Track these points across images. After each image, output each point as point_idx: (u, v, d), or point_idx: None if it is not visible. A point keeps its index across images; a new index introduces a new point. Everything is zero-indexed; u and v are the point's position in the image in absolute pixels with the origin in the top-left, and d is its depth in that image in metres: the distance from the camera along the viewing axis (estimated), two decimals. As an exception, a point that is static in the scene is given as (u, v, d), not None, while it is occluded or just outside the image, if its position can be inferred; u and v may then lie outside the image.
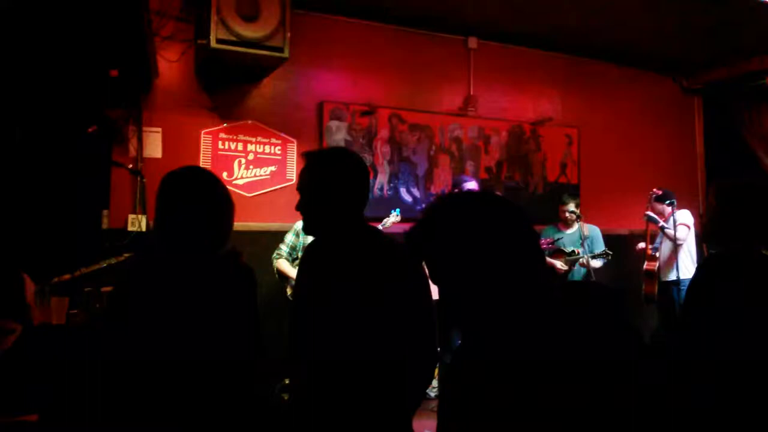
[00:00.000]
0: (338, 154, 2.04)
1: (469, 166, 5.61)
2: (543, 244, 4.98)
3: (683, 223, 5.10)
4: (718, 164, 6.90)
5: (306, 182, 1.91)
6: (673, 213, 5.03)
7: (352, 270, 1.81)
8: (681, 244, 5.04)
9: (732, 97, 6.76)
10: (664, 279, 5.22)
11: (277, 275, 4.15)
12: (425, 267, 1.24)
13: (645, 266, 5.27)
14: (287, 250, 4.14)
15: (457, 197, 1.27)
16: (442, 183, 5.45)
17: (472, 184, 4.38)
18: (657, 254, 5.28)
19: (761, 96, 6.44)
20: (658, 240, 5.34)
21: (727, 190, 2.18)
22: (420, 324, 1.79)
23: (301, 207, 1.92)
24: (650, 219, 5.20)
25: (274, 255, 4.16)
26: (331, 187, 1.86)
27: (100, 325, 2.77)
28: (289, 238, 4.16)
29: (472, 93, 5.64)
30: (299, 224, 4.15)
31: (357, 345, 1.76)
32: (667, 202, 5.10)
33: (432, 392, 4.66)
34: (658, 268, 5.25)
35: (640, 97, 6.61)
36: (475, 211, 1.17)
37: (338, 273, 1.84)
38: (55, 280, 3.47)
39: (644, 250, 5.33)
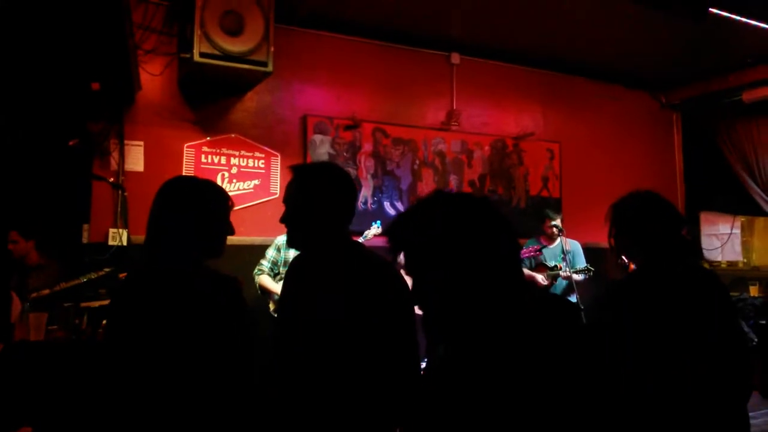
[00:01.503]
0: (325, 168, 2.04)
1: (453, 179, 5.64)
2: (531, 251, 5.01)
3: None
4: (697, 179, 7.02)
5: (292, 195, 1.91)
6: None
7: (336, 283, 1.81)
8: None
9: (710, 113, 6.89)
10: None
11: (259, 291, 4.12)
12: (402, 257, 1.23)
13: None
14: (269, 265, 4.11)
15: (449, 195, 1.27)
16: (425, 197, 5.46)
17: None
18: None
19: (738, 111, 6.57)
20: None
21: (617, 208, 2.15)
22: (402, 338, 1.79)
23: (285, 220, 1.92)
24: None
25: (256, 271, 4.13)
26: (316, 200, 1.87)
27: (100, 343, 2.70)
28: (271, 253, 4.14)
29: (455, 108, 5.69)
30: (280, 239, 4.13)
31: (340, 358, 1.75)
32: None
33: (416, 407, 4.64)
34: None
35: (620, 113, 6.71)
36: (463, 210, 1.18)
37: (322, 286, 1.84)
38: (34, 295, 3.42)
39: (627, 264, 5.33)
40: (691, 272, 2.01)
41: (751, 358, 1.97)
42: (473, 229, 1.15)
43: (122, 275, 3.72)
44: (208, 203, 1.81)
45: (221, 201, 1.85)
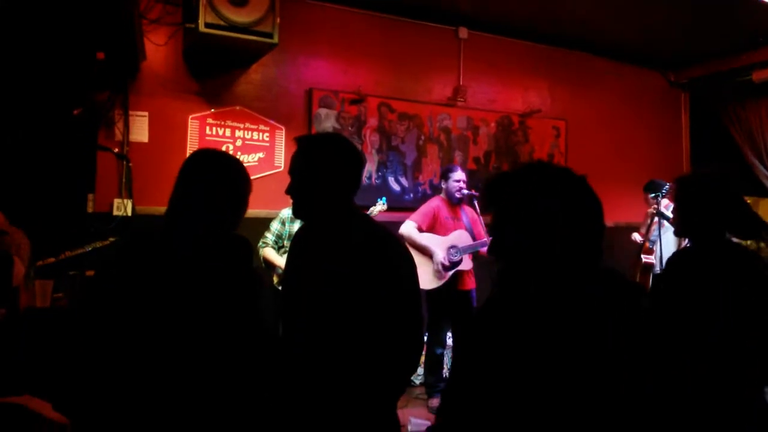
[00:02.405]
0: (331, 139, 2.02)
1: (458, 156, 5.62)
2: None
3: None
4: (703, 158, 6.98)
5: (297, 165, 1.90)
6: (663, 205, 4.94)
7: (343, 254, 1.81)
8: None
9: (718, 93, 6.82)
10: (657, 272, 5.09)
11: (263, 263, 4.14)
12: (490, 215, 1.30)
13: (644, 260, 5.10)
14: (273, 238, 4.12)
15: (548, 167, 1.33)
16: (430, 172, 5.46)
17: (459, 174, 4.40)
18: (654, 247, 5.17)
19: (747, 92, 6.50)
20: (655, 233, 5.11)
21: (685, 183, 2.18)
22: (406, 310, 1.80)
23: (291, 190, 1.91)
24: (662, 215, 4.92)
25: (260, 243, 4.15)
26: (322, 170, 1.85)
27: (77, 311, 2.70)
28: (275, 226, 4.15)
29: (461, 83, 5.64)
30: (285, 212, 4.14)
31: (342, 329, 1.76)
32: (663, 191, 4.91)
33: (417, 379, 4.69)
34: (653, 261, 5.13)
35: (628, 91, 6.66)
36: (564, 186, 1.26)
37: (328, 257, 1.83)
38: (39, 263, 3.44)
39: (642, 242, 5.20)
40: (732, 254, 2.03)
41: None
42: (559, 204, 1.22)
43: None
44: (235, 178, 1.81)
45: (235, 175, 1.84)
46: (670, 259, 2.23)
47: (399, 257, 1.84)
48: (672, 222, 2.26)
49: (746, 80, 6.23)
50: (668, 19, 5.35)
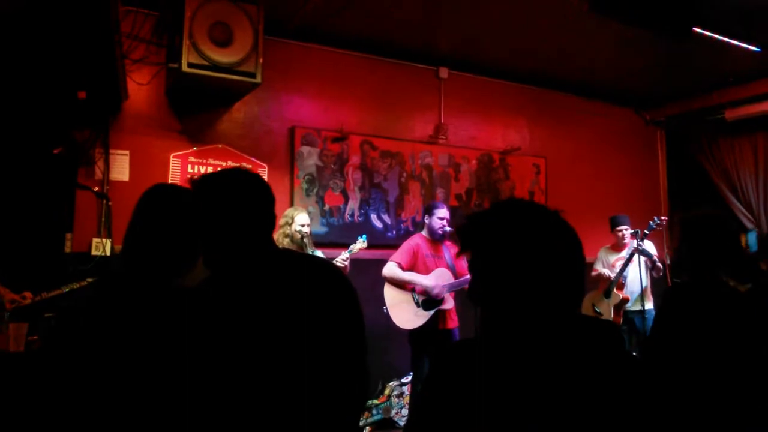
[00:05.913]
0: (231, 175, 1.74)
1: (440, 193, 5.66)
2: None
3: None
4: (680, 194, 7.10)
5: (208, 208, 1.65)
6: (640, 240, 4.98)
7: (271, 295, 1.61)
8: (662, 274, 4.99)
9: (693, 130, 6.99)
10: (629, 308, 5.16)
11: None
12: (467, 256, 1.26)
13: (622, 296, 5.08)
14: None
15: (528, 206, 1.27)
16: (412, 209, 5.48)
17: (443, 212, 4.41)
18: (625, 282, 5.15)
19: (721, 129, 6.66)
20: (627, 269, 5.08)
21: (690, 222, 2.28)
22: (347, 346, 1.66)
23: (202, 236, 1.67)
24: (644, 252, 4.93)
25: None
26: (244, 210, 1.65)
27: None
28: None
29: (442, 122, 5.72)
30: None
31: (274, 374, 1.55)
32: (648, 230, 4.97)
33: (400, 421, 4.61)
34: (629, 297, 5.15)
35: (605, 129, 6.79)
36: (542, 225, 1.20)
37: (255, 300, 1.60)
38: (14, 305, 3.36)
39: (615, 278, 5.18)
40: (728, 294, 2.11)
41: None
42: (540, 242, 1.17)
43: None
44: (182, 211, 1.70)
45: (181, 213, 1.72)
46: (671, 294, 2.30)
47: (337, 289, 1.69)
48: (675, 258, 2.36)
49: (719, 119, 6.40)
50: (644, 60, 5.51)
